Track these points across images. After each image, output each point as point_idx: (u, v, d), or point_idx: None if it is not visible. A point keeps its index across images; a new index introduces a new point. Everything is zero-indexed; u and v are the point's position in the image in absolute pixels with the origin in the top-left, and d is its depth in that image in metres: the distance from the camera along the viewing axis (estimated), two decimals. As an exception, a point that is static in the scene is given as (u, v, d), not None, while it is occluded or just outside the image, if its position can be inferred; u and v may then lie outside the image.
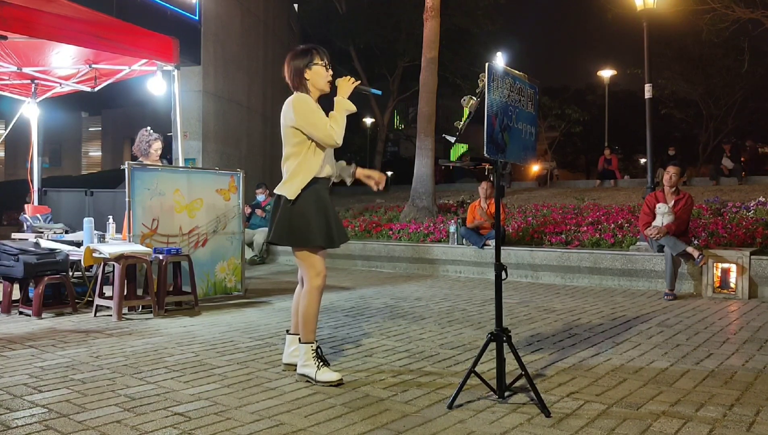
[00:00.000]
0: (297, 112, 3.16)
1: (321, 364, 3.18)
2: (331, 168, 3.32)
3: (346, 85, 3.28)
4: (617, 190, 14.13)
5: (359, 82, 3.33)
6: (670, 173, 6.49)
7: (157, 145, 6.13)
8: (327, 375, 3.14)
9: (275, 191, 3.28)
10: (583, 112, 25.05)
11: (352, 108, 3.27)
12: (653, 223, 6.47)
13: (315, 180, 3.21)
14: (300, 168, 3.19)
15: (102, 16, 6.01)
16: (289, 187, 3.20)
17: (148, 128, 6.19)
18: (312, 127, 3.15)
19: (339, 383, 3.13)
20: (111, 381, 3.20)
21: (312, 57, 3.25)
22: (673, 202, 6.48)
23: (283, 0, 18.24)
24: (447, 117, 20.56)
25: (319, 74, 3.25)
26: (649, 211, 6.60)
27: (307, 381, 3.18)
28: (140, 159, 6.09)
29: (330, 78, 3.29)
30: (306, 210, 3.18)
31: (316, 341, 3.25)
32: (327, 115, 3.21)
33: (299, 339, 3.27)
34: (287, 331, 3.48)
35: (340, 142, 3.18)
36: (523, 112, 3.02)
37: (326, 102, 3.36)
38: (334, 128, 3.16)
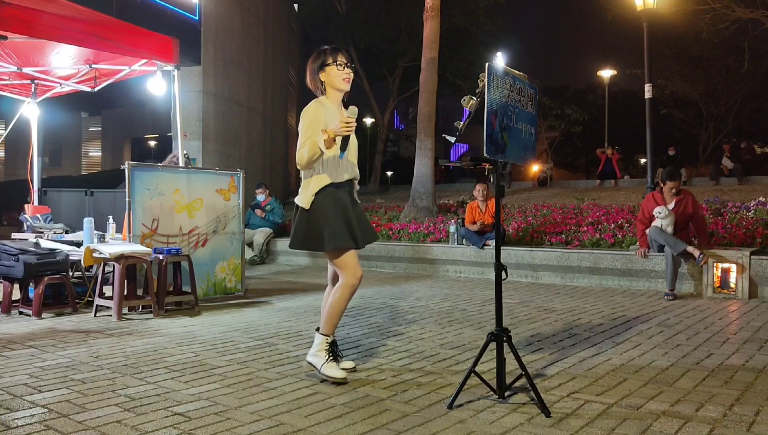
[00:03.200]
0: (301, 120, 3.18)
1: (331, 358, 3.18)
2: (350, 173, 3.26)
3: (341, 127, 2.98)
4: (617, 190, 14.13)
5: (350, 130, 3.00)
6: (669, 186, 6.43)
7: None
8: (332, 371, 3.14)
9: (295, 201, 3.30)
10: (583, 112, 25.10)
11: (320, 150, 3.03)
12: (653, 225, 6.45)
13: (333, 184, 3.19)
14: (311, 176, 3.20)
15: (102, 16, 6.01)
16: (302, 197, 3.22)
17: (185, 155, 6.02)
18: (300, 139, 3.15)
19: (342, 382, 3.13)
20: (111, 381, 3.20)
21: (324, 58, 3.22)
22: (673, 203, 6.47)
23: (283, 0, 18.24)
24: (447, 117, 20.56)
25: (332, 74, 3.22)
26: (644, 217, 6.58)
27: (312, 370, 3.18)
28: None
29: (347, 75, 3.23)
30: (323, 214, 3.16)
31: (334, 335, 3.25)
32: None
33: (318, 328, 3.27)
34: (317, 329, 3.32)
35: (299, 167, 3.16)
36: (522, 112, 3.02)
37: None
38: (301, 152, 3.10)
